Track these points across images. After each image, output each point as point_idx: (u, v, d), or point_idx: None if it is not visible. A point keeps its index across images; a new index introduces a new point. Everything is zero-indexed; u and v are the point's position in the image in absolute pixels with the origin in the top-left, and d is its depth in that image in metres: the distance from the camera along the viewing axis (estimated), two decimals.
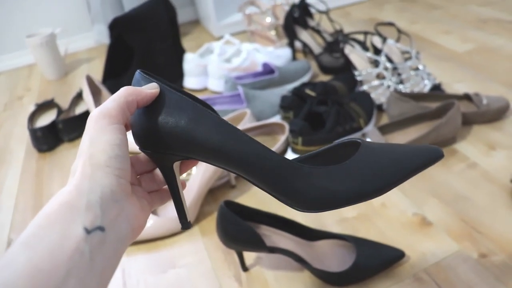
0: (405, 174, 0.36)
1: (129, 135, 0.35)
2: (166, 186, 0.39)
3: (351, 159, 0.36)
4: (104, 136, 0.31)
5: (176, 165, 0.37)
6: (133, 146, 0.35)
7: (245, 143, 0.34)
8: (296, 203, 0.36)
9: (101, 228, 0.28)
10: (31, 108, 1.22)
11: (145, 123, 0.34)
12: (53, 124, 1.11)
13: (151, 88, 0.34)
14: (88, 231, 0.27)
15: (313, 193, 0.35)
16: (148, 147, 0.35)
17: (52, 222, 0.26)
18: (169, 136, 0.34)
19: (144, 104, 0.33)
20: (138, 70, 0.36)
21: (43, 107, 1.21)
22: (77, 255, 0.26)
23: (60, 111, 1.18)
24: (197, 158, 0.36)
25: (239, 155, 0.34)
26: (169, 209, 0.80)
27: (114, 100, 0.32)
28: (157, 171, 0.39)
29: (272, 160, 0.35)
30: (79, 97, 1.25)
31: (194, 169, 0.81)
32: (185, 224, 0.39)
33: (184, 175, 0.82)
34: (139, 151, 0.36)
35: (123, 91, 0.33)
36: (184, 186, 0.40)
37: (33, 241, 0.25)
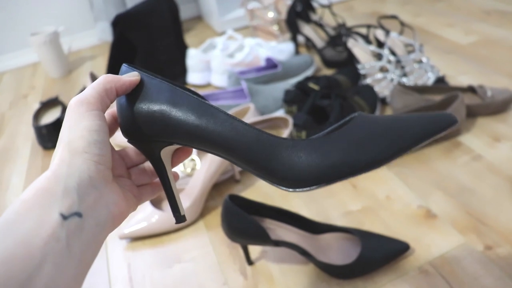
0: (405, 144, 0.32)
1: (119, 132, 0.35)
2: (158, 179, 0.38)
3: (340, 129, 0.33)
4: (82, 122, 0.31)
5: (165, 155, 0.36)
6: (120, 138, 0.35)
7: (223, 120, 0.33)
8: (282, 181, 0.33)
9: (78, 214, 0.28)
10: (36, 106, 1.23)
11: (126, 112, 0.34)
12: (57, 122, 1.11)
13: (131, 76, 0.34)
14: (64, 217, 0.27)
15: (298, 167, 0.32)
16: (132, 137, 0.35)
17: (28, 208, 0.26)
18: (148, 121, 0.34)
19: (124, 92, 0.34)
20: (124, 64, 0.36)
21: (48, 105, 1.22)
22: (53, 241, 0.26)
23: (64, 109, 1.19)
24: (180, 143, 0.35)
25: (219, 134, 0.33)
26: None
27: (93, 88, 0.32)
28: (148, 164, 0.39)
29: (252, 135, 0.33)
30: None
31: (198, 164, 0.82)
32: (179, 218, 0.38)
33: (188, 170, 0.82)
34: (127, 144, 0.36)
35: (102, 78, 0.33)
36: (176, 178, 0.39)
37: (8, 228, 0.25)
